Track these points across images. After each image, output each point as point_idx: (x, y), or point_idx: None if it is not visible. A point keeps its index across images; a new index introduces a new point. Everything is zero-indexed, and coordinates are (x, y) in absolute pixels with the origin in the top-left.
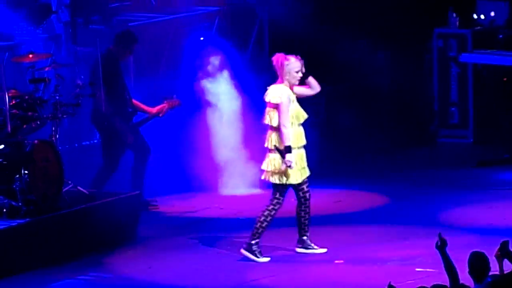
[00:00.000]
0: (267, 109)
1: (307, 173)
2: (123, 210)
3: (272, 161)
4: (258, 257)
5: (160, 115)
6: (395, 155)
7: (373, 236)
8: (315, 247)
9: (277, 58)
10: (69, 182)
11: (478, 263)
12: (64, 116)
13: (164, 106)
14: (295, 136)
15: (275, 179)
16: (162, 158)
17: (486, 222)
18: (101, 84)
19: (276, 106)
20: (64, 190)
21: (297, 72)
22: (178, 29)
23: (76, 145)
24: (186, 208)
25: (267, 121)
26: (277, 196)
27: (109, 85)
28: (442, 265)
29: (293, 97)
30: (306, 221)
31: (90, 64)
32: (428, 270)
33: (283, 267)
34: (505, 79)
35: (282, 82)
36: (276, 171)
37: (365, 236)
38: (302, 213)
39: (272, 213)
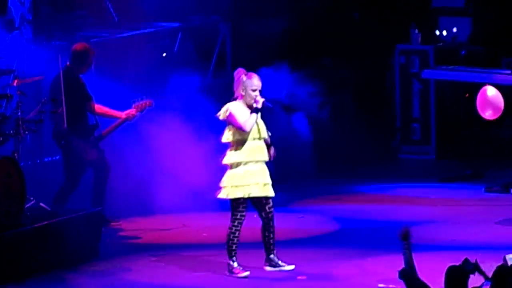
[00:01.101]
0: (225, 127)
1: (268, 191)
2: (85, 227)
3: (230, 177)
4: (237, 273)
5: (130, 119)
6: (357, 171)
7: (335, 252)
8: (283, 264)
9: (237, 72)
10: (31, 198)
11: (455, 278)
12: (26, 132)
13: (130, 111)
14: (250, 151)
15: (235, 194)
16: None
17: (450, 238)
18: (62, 101)
19: (228, 121)
20: (26, 206)
21: (253, 90)
22: (140, 45)
23: (38, 161)
24: (148, 226)
25: (223, 138)
26: (236, 213)
27: (68, 102)
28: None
29: (248, 112)
30: (272, 240)
31: (50, 80)
32: (390, 286)
33: (248, 285)
34: (467, 95)
35: (239, 98)
36: (229, 185)
37: (327, 252)
38: (267, 232)
39: (235, 232)
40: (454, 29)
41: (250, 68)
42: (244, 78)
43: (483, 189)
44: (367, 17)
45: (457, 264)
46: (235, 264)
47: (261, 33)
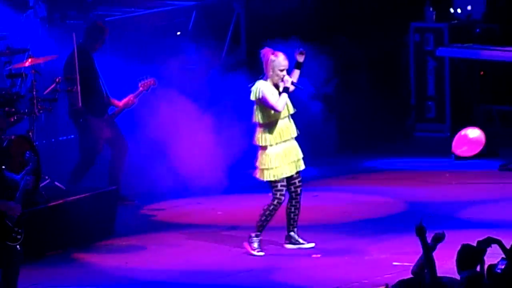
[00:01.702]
0: (254, 107)
1: (300, 166)
2: (101, 205)
3: (263, 159)
4: (253, 250)
5: (134, 100)
6: (372, 149)
7: (349, 230)
8: (303, 241)
9: (265, 52)
10: (46, 177)
11: (466, 256)
12: (41, 111)
13: (130, 98)
14: (281, 130)
15: (268, 176)
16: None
17: (465, 216)
18: (77, 79)
19: (259, 102)
20: (41, 185)
21: (281, 70)
22: (155, 24)
23: (53, 140)
24: (164, 205)
25: (254, 119)
26: (276, 192)
27: (83, 80)
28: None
29: (275, 91)
30: (296, 217)
31: (64, 59)
32: (405, 264)
33: (261, 262)
34: (482, 73)
35: (267, 78)
36: (267, 167)
37: (342, 230)
38: (292, 208)
39: (272, 211)
40: (469, 7)
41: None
42: (272, 57)
43: (498, 167)
44: None
45: (471, 242)
46: (256, 240)
47: (275, 11)
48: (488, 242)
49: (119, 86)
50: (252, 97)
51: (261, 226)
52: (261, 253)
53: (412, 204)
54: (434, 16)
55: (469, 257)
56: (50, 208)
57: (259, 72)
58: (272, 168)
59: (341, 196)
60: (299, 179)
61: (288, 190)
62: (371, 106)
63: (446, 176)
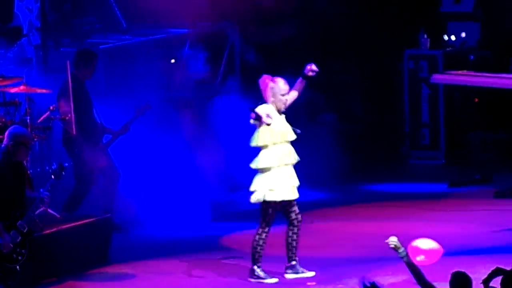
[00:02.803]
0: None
1: (295, 193)
2: (95, 233)
3: (262, 181)
4: (264, 279)
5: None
6: (367, 176)
7: (343, 259)
8: (305, 270)
9: (263, 80)
10: (40, 205)
11: (459, 283)
12: (35, 139)
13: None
14: (281, 154)
15: (263, 197)
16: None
17: (458, 243)
18: (71, 107)
19: (257, 126)
20: (36, 213)
21: (283, 95)
22: (149, 51)
23: (47, 168)
24: (157, 232)
25: (252, 143)
26: (266, 217)
27: (77, 109)
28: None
29: (277, 115)
30: (297, 245)
31: (58, 88)
32: None
33: None
34: (476, 100)
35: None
36: (263, 189)
37: (338, 259)
38: (294, 236)
39: (263, 237)
40: (463, 34)
41: (260, 74)
42: (271, 84)
43: (492, 194)
44: (376, 22)
45: (466, 269)
46: (259, 270)
47: (269, 39)
48: (497, 272)
49: (113, 113)
50: (251, 121)
51: (257, 258)
52: (275, 279)
53: (406, 232)
54: (428, 43)
55: (462, 282)
56: (45, 236)
57: (254, 99)
58: (269, 190)
59: (335, 225)
60: (297, 206)
61: (289, 217)
62: (366, 132)
63: (441, 203)
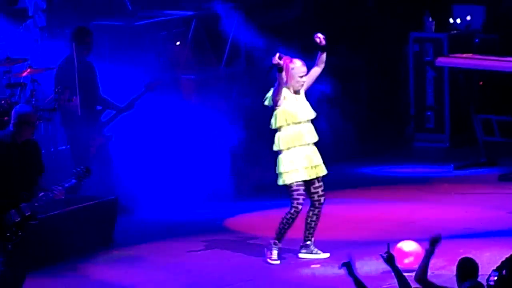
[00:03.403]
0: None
1: (318, 173)
2: (100, 215)
3: (280, 163)
4: (269, 258)
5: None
6: (371, 159)
7: (349, 241)
8: (319, 251)
9: (284, 60)
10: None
11: (466, 269)
12: (40, 121)
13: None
14: (295, 135)
15: (281, 181)
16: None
17: (462, 226)
18: (76, 88)
19: (273, 108)
20: (40, 195)
21: (301, 77)
22: (154, 34)
23: (52, 149)
24: (164, 214)
25: (271, 125)
26: (292, 200)
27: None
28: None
29: (292, 96)
30: (316, 226)
31: (61, 69)
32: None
33: (260, 271)
34: (481, 83)
35: (286, 84)
36: (280, 172)
37: (341, 242)
38: (314, 217)
39: (289, 220)
40: (468, 17)
41: (264, 56)
42: (291, 65)
43: (497, 177)
44: (381, 5)
45: (470, 252)
46: (275, 248)
47: (275, 21)
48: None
49: (118, 92)
50: (266, 103)
51: (280, 235)
52: (277, 262)
53: (411, 216)
54: (433, 27)
55: (468, 268)
56: (50, 218)
57: (258, 82)
58: (283, 173)
59: (339, 208)
60: (321, 187)
61: (311, 198)
62: (371, 115)
63: (445, 186)
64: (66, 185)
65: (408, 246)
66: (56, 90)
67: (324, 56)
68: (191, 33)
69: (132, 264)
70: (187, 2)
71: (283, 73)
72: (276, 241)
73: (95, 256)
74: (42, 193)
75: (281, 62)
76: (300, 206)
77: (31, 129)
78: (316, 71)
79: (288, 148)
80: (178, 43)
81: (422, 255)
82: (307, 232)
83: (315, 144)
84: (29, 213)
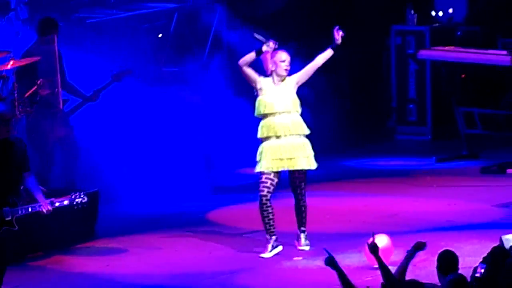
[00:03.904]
0: None
1: (291, 166)
2: (82, 208)
3: (258, 152)
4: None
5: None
6: (353, 152)
7: (332, 233)
8: (303, 243)
9: (264, 52)
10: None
11: (447, 261)
12: (22, 113)
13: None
14: (273, 125)
15: (258, 168)
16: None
17: (444, 219)
18: (57, 81)
19: (256, 93)
20: (22, 188)
21: (282, 61)
22: (136, 26)
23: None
24: (145, 207)
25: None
26: (259, 187)
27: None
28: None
29: (272, 87)
30: (299, 217)
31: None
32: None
33: (242, 263)
34: (463, 75)
35: (269, 74)
36: (257, 159)
37: (323, 235)
38: (297, 210)
39: (260, 209)
40: (450, 10)
41: (247, 50)
42: (270, 54)
43: (479, 170)
44: None
45: (452, 244)
46: (270, 243)
47: (257, 13)
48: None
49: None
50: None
51: (265, 228)
52: (266, 255)
53: (393, 208)
54: (415, 19)
55: (449, 260)
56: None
57: (241, 74)
58: (258, 161)
59: (321, 201)
60: (299, 179)
61: (293, 192)
62: (353, 108)
63: (427, 179)
64: (57, 204)
65: (381, 241)
66: (38, 82)
67: (330, 54)
68: (173, 25)
69: (114, 256)
70: None
71: (264, 58)
72: (267, 236)
73: (77, 249)
74: (31, 205)
75: (270, 46)
76: (262, 196)
77: (5, 127)
78: (312, 67)
79: (265, 138)
80: (160, 35)
81: (391, 250)
82: (297, 223)
83: (307, 137)
84: (9, 218)
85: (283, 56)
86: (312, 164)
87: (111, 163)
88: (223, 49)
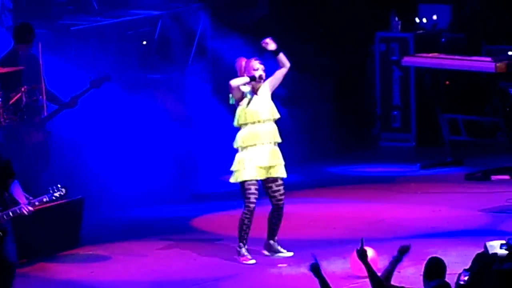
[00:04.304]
0: None
1: (273, 173)
2: (66, 215)
3: (236, 161)
4: (242, 260)
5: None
6: (337, 158)
7: (316, 240)
8: (283, 250)
9: (238, 61)
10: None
11: (433, 267)
12: (7, 121)
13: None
14: (251, 134)
15: (233, 179)
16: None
17: (429, 225)
18: (43, 88)
19: (235, 104)
20: (6, 195)
21: (255, 69)
22: (121, 33)
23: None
24: (130, 213)
25: (234, 123)
26: (244, 198)
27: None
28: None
29: (250, 96)
30: (275, 227)
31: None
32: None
33: (226, 270)
34: (447, 82)
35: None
36: (233, 169)
37: (307, 242)
38: (274, 219)
39: (244, 220)
40: (434, 17)
41: (231, 56)
42: (243, 63)
43: (464, 176)
44: (348, 4)
45: (435, 251)
46: (243, 250)
47: (241, 21)
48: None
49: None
50: (230, 102)
51: (241, 236)
52: (252, 261)
53: (378, 215)
54: (399, 26)
55: (436, 267)
56: (15, 218)
57: (224, 81)
58: (235, 171)
59: (306, 207)
60: (278, 188)
61: (270, 200)
62: (337, 115)
63: (411, 185)
64: (37, 203)
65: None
66: (22, 89)
67: (280, 57)
68: (157, 32)
69: (98, 263)
70: (154, 1)
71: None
72: (241, 244)
73: (61, 256)
74: (11, 209)
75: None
76: (251, 205)
77: None
78: (280, 72)
79: (245, 147)
80: (144, 42)
81: (376, 261)
82: (269, 231)
83: (279, 145)
84: None
85: (256, 65)
86: (285, 173)
87: (96, 169)
88: (208, 56)
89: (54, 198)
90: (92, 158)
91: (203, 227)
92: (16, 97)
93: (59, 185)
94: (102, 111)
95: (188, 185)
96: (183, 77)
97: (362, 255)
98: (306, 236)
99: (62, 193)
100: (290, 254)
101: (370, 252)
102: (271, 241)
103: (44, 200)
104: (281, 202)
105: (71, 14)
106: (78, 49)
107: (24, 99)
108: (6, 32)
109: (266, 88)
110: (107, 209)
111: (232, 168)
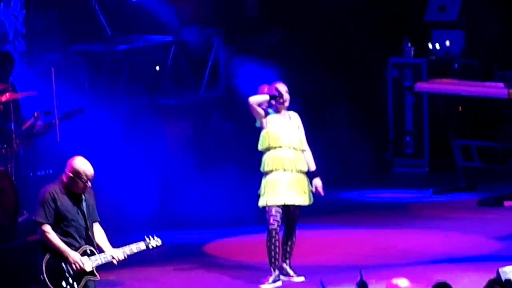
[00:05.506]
0: None
1: (296, 201)
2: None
3: (262, 185)
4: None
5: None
6: (351, 184)
7: (329, 265)
8: (294, 274)
9: (260, 88)
10: (24, 212)
11: None
12: (20, 146)
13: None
14: (273, 159)
15: (260, 203)
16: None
17: (441, 251)
18: (55, 113)
19: (260, 126)
20: (19, 220)
21: (278, 91)
22: (134, 59)
23: (31, 174)
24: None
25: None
26: (267, 222)
27: None
28: None
29: (279, 120)
30: (289, 249)
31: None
32: None
33: None
34: (460, 108)
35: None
36: (259, 193)
37: (321, 266)
38: (289, 241)
39: (268, 243)
40: (447, 42)
41: (245, 82)
42: (265, 89)
43: (476, 202)
44: (360, 30)
45: (447, 276)
46: (272, 274)
47: (255, 46)
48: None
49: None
50: (256, 124)
51: (270, 260)
52: (269, 286)
53: (390, 241)
54: (412, 52)
55: None
56: (28, 243)
57: (237, 106)
58: (260, 195)
59: (318, 233)
60: (294, 214)
61: (284, 223)
62: (350, 140)
63: (425, 211)
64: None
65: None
66: (35, 114)
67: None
68: (170, 58)
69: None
70: (167, 27)
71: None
72: (272, 268)
73: None
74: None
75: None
76: (270, 227)
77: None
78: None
79: (270, 171)
80: (157, 68)
81: None
82: (282, 254)
83: (307, 174)
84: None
85: (280, 86)
86: (310, 200)
87: (107, 191)
88: (221, 82)
89: (150, 247)
90: (103, 181)
91: (215, 253)
92: (29, 122)
93: (155, 236)
94: (113, 136)
95: (203, 210)
96: (196, 103)
97: (363, 287)
98: (318, 262)
99: (158, 244)
100: (302, 279)
101: (404, 282)
102: (284, 264)
103: (138, 250)
104: (293, 224)
105: (84, 40)
106: (91, 74)
107: (36, 123)
108: (19, 58)
109: (297, 121)
110: (118, 233)
111: (259, 192)
